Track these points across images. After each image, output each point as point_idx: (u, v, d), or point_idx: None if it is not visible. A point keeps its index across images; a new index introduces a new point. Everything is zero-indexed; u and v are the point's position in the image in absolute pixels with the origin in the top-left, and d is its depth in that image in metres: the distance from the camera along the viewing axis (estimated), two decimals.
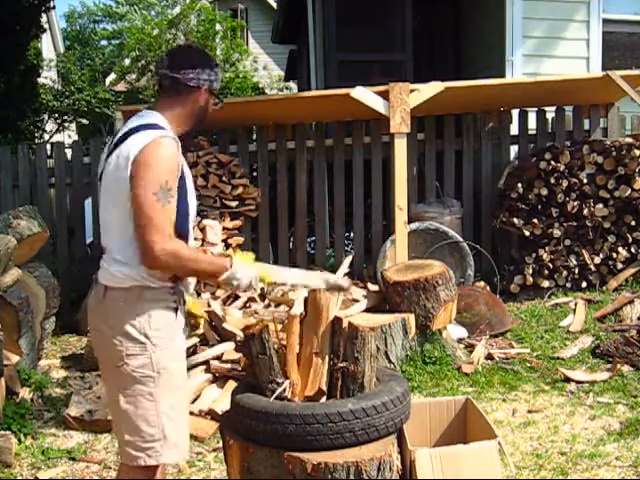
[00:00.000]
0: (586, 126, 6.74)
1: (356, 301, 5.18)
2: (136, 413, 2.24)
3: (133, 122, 2.28)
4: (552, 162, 5.99)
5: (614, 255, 6.00)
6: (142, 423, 2.24)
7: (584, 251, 5.99)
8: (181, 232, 2.25)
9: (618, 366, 4.44)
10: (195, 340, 4.51)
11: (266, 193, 6.54)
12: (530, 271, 5.99)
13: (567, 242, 5.99)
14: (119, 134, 2.28)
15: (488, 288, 5.93)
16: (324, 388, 2.37)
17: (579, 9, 7.37)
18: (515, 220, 6.07)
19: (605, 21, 7.45)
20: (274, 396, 2.33)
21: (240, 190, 6.08)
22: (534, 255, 6.00)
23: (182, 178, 2.25)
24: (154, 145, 2.17)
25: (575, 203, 5.95)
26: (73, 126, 16.81)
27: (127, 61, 16.37)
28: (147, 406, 2.23)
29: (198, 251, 2.33)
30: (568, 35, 7.39)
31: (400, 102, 5.14)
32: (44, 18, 11.70)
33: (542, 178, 6.00)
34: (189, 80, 2.31)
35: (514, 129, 6.76)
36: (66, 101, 14.61)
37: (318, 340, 2.42)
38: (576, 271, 6.01)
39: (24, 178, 6.47)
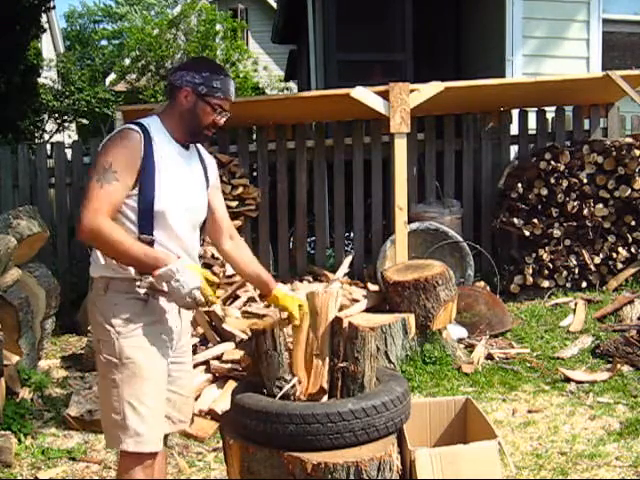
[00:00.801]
0: (586, 126, 6.74)
1: (356, 301, 5.19)
2: (104, 398, 2.37)
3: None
4: (552, 162, 5.99)
5: (614, 255, 6.00)
6: (107, 409, 2.34)
7: (584, 251, 6.00)
8: (140, 226, 2.29)
9: (618, 366, 4.44)
10: (195, 340, 4.52)
11: (266, 193, 6.54)
12: (530, 271, 5.99)
13: (567, 242, 5.99)
14: None
15: (488, 288, 5.93)
16: (325, 387, 2.37)
17: (579, 9, 7.37)
18: (515, 220, 6.07)
19: (605, 21, 7.45)
20: (281, 393, 2.33)
21: (240, 190, 6.08)
22: (534, 255, 6.00)
23: (148, 172, 2.28)
24: (113, 136, 2.31)
25: (575, 203, 5.95)
26: (73, 126, 16.81)
27: (127, 61, 16.38)
28: (112, 392, 2.32)
29: (136, 241, 2.27)
30: (568, 35, 7.39)
31: (400, 102, 5.14)
32: (44, 18, 11.71)
33: (542, 178, 6.00)
34: (175, 81, 2.40)
35: (514, 129, 6.76)
36: (66, 101, 14.61)
37: (318, 341, 2.42)
38: (576, 271, 6.01)
39: (24, 178, 6.47)
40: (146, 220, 2.30)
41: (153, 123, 2.37)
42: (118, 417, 2.30)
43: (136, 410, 2.30)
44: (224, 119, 2.47)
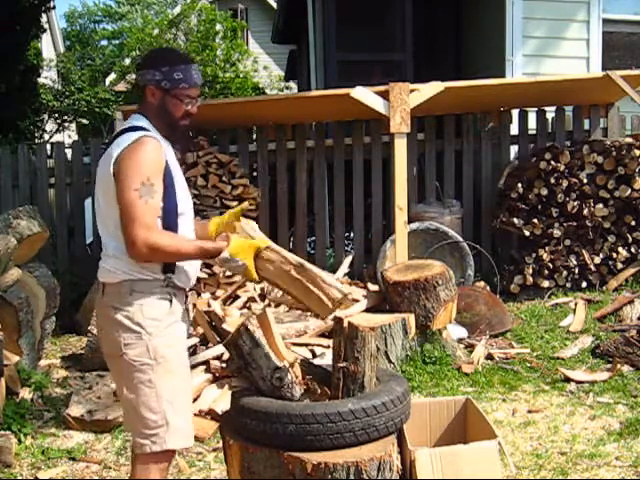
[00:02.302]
0: (586, 126, 6.74)
1: (356, 301, 5.19)
2: (138, 401, 2.33)
3: (123, 125, 2.43)
4: (552, 162, 5.99)
5: (614, 255, 6.01)
6: (144, 410, 2.32)
7: (584, 251, 6.00)
8: (168, 228, 2.33)
9: (618, 366, 4.44)
10: (195, 340, 4.52)
11: (266, 193, 6.54)
12: (530, 271, 5.99)
13: (567, 242, 5.99)
14: (113, 135, 2.42)
15: (488, 288, 5.93)
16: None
17: (579, 9, 7.37)
18: (515, 220, 6.07)
19: (605, 21, 7.45)
20: (280, 380, 2.34)
21: (240, 190, 6.08)
22: (534, 255, 6.00)
23: (169, 176, 2.34)
24: (136, 145, 2.28)
25: (575, 203, 5.95)
26: (73, 126, 16.81)
27: (127, 61, 16.37)
28: (147, 393, 2.32)
29: (188, 240, 2.38)
30: (568, 35, 7.39)
31: (400, 102, 5.14)
32: (44, 18, 11.70)
33: (542, 178, 6.00)
34: (139, 80, 2.42)
35: (514, 129, 6.76)
36: (66, 101, 14.60)
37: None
38: (576, 271, 6.01)
39: (24, 178, 6.47)
40: (172, 222, 2.34)
41: (149, 125, 2.39)
42: (157, 417, 2.32)
43: (174, 406, 2.33)
44: (196, 106, 2.47)
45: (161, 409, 2.32)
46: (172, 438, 2.33)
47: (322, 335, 4.64)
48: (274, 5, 17.27)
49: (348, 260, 6.20)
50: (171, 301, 2.37)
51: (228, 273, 5.57)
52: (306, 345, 4.48)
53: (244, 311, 5.04)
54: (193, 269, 2.48)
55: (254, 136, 7.09)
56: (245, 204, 2.62)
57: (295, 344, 4.43)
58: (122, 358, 2.33)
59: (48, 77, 14.80)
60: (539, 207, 6.04)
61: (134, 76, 15.09)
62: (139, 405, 2.33)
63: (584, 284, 6.04)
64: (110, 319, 2.35)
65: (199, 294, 5.51)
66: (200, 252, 2.34)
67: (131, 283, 2.32)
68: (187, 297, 2.52)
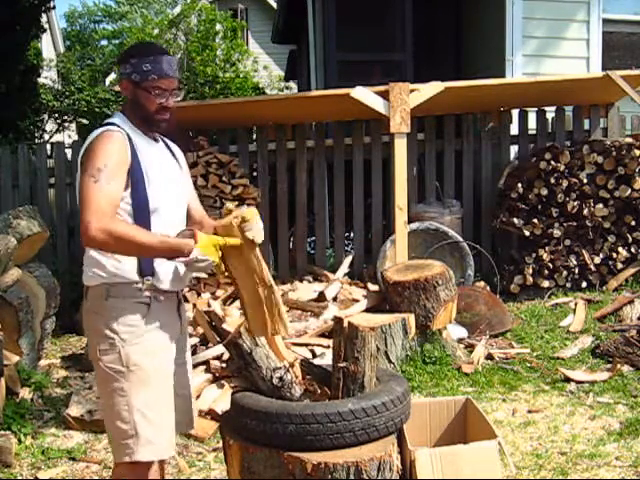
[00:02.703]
0: (586, 126, 6.74)
1: (356, 301, 5.19)
2: (112, 409, 2.27)
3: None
4: (552, 162, 5.99)
5: (614, 255, 6.00)
6: (116, 419, 2.26)
7: (584, 251, 6.00)
8: (142, 226, 2.23)
9: (618, 366, 4.44)
10: (195, 340, 4.52)
11: (266, 193, 6.54)
12: (530, 271, 5.99)
13: (567, 242, 5.99)
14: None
15: (488, 288, 5.93)
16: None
17: (579, 9, 7.37)
18: (515, 220, 6.07)
19: (605, 21, 7.45)
20: (280, 380, 2.33)
21: (240, 190, 6.08)
22: (534, 255, 6.00)
23: (137, 171, 2.26)
24: (97, 139, 2.25)
25: (575, 203, 5.95)
26: (73, 126, 16.79)
27: None
28: (119, 402, 2.25)
29: (148, 232, 2.24)
30: (568, 35, 7.39)
31: (400, 102, 5.14)
32: (44, 18, 11.69)
33: (542, 178, 6.00)
34: (119, 75, 2.39)
35: (514, 129, 6.76)
36: (66, 101, 14.58)
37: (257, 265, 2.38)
38: (576, 271, 6.01)
39: (24, 178, 6.47)
40: (143, 220, 2.26)
41: (123, 121, 2.34)
42: (128, 427, 2.24)
43: (147, 417, 2.25)
44: (173, 99, 2.36)
45: (132, 419, 2.23)
46: (142, 450, 2.24)
47: (322, 335, 4.64)
48: (274, 5, 17.27)
49: (348, 260, 6.20)
50: (149, 306, 2.28)
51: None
52: (306, 345, 4.48)
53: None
54: (181, 269, 2.36)
55: (254, 136, 7.09)
56: (230, 206, 2.47)
57: (295, 344, 4.43)
58: (98, 364, 2.29)
59: (48, 77, 14.78)
60: (539, 207, 6.04)
61: None
62: (112, 413, 2.27)
63: (584, 284, 6.04)
64: (90, 324, 2.32)
65: (199, 294, 5.51)
66: (164, 247, 2.19)
67: (108, 287, 2.26)
68: (180, 301, 2.44)
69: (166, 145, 2.50)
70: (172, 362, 2.37)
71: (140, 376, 2.25)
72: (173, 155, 2.50)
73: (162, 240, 2.20)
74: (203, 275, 5.34)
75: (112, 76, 18.64)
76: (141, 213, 2.26)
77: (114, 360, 2.25)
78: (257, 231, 2.30)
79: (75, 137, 16.12)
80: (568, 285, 6.04)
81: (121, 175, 2.21)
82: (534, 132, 6.74)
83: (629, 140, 6.13)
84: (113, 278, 2.26)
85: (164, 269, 2.31)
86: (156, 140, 2.43)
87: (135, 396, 2.25)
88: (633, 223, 6.00)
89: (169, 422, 2.33)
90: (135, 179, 2.25)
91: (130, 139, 2.28)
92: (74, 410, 3.91)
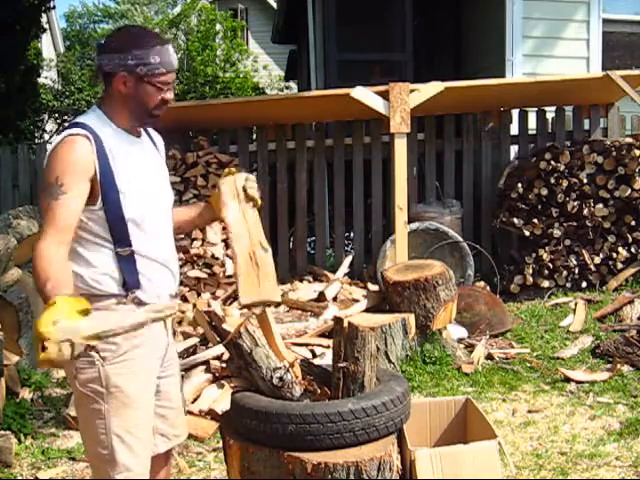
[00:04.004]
0: (586, 126, 6.74)
1: (356, 301, 5.19)
2: (87, 431, 2.13)
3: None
4: (552, 162, 5.99)
5: (614, 255, 6.00)
6: (92, 442, 2.12)
7: (584, 251, 6.00)
8: (119, 240, 2.08)
9: (618, 366, 4.44)
10: (195, 340, 4.52)
11: (266, 193, 6.53)
12: (530, 271, 5.99)
13: (567, 242, 5.99)
14: None
15: (488, 288, 5.93)
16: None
17: (579, 9, 7.37)
18: (515, 220, 6.07)
19: (605, 21, 7.45)
20: (280, 380, 2.32)
21: None
22: (534, 255, 6.00)
23: (107, 178, 2.05)
24: (58, 146, 2.04)
25: (575, 203, 5.95)
26: None
27: None
28: (96, 425, 2.09)
29: (64, 269, 1.98)
30: (568, 35, 7.39)
31: (400, 102, 5.14)
32: (44, 18, 11.68)
33: (542, 178, 6.00)
34: (104, 66, 2.09)
35: (514, 129, 6.76)
36: (66, 101, 14.60)
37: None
38: (576, 271, 6.01)
39: (24, 178, 6.47)
40: (119, 231, 2.08)
41: (96, 119, 2.11)
42: (105, 451, 2.10)
43: (125, 443, 2.10)
44: (172, 93, 2.17)
45: (109, 444, 2.08)
46: (117, 477, 2.10)
47: (322, 335, 4.64)
48: (274, 5, 17.27)
49: (348, 260, 6.20)
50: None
51: (228, 273, 5.58)
52: (306, 345, 4.48)
53: (244, 311, 5.03)
54: (166, 278, 2.20)
55: (254, 136, 7.09)
56: (227, 170, 2.39)
57: (295, 344, 4.43)
58: (74, 383, 2.10)
59: (48, 77, 14.79)
60: (539, 207, 6.04)
61: None
62: (88, 436, 2.13)
63: (584, 284, 6.04)
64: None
65: (199, 294, 5.51)
66: (40, 291, 1.92)
67: (87, 298, 1.96)
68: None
69: (148, 136, 2.29)
70: (154, 383, 2.22)
71: (120, 399, 2.08)
72: (155, 146, 2.31)
73: (47, 291, 1.89)
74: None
75: None
76: (116, 225, 2.08)
77: (92, 380, 2.07)
78: (257, 191, 2.27)
79: None
80: (568, 285, 6.04)
81: (75, 185, 1.99)
82: (534, 132, 6.74)
83: (629, 140, 6.12)
84: (91, 290, 2.06)
85: (149, 279, 2.14)
86: (139, 135, 2.22)
87: (114, 420, 2.08)
88: (633, 223, 6.00)
89: (147, 447, 2.20)
90: (105, 188, 2.05)
91: (101, 143, 2.05)
92: (74, 410, 3.91)
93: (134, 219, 2.10)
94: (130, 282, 2.10)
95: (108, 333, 1.87)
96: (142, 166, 2.18)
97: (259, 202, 2.31)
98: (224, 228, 2.19)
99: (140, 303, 2.11)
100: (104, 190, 2.05)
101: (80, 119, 2.12)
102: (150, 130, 2.32)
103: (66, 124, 2.16)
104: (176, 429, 2.38)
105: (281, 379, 2.33)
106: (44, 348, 1.77)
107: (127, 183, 2.09)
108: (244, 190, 2.28)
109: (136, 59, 2.05)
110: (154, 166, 2.25)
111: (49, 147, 2.10)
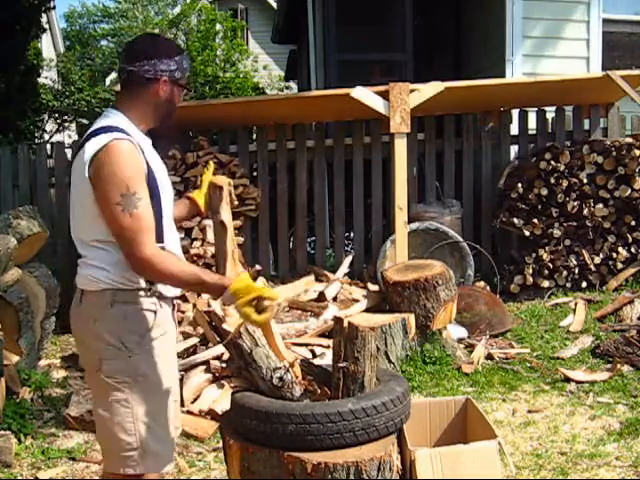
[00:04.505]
0: (586, 126, 6.74)
1: (356, 301, 5.19)
2: (113, 420, 2.18)
3: (96, 123, 2.21)
4: (552, 162, 5.99)
5: (614, 255, 6.00)
6: (119, 431, 2.17)
7: (584, 251, 6.00)
8: (157, 235, 2.17)
9: (618, 366, 4.44)
10: (195, 340, 4.52)
11: (266, 193, 6.54)
12: (530, 271, 5.99)
13: (567, 242, 5.99)
14: (84, 137, 2.20)
15: (488, 288, 5.93)
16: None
17: (579, 9, 7.38)
18: (515, 220, 6.07)
19: (605, 21, 7.45)
20: (280, 380, 2.33)
21: (240, 190, 6.08)
22: (534, 255, 6.00)
23: (152, 178, 2.16)
24: (109, 151, 2.07)
25: (575, 203, 5.95)
26: (73, 126, 16.80)
27: None
28: (123, 413, 2.16)
29: (187, 265, 2.18)
30: (568, 35, 7.40)
31: (400, 102, 5.14)
32: (44, 18, 11.68)
33: (542, 178, 6.00)
34: (145, 72, 2.18)
35: (514, 129, 6.76)
36: (66, 101, 14.59)
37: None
38: (576, 271, 6.01)
39: (24, 178, 6.47)
40: (158, 229, 2.17)
41: (123, 122, 2.18)
42: (132, 439, 2.17)
43: (151, 429, 2.18)
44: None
45: (136, 431, 2.16)
46: (146, 463, 2.18)
47: (322, 335, 4.64)
48: (274, 5, 17.28)
49: (348, 260, 6.20)
50: (156, 313, 2.20)
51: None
52: (306, 345, 4.48)
53: None
54: None
55: (254, 136, 7.09)
56: (210, 163, 2.61)
57: (295, 344, 4.43)
58: (98, 374, 2.17)
59: (48, 77, 14.78)
60: (539, 207, 6.04)
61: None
62: (114, 425, 2.17)
63: (584, 284, 6.04)
64: (89, 331, 2.18)
65: (199, 294, 5.51)
66: (199, 284, 2.13)
67: (113, 293, 2.13)
68: (174, 306, 2.38)
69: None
70: (175, 371, 2.35)
71: (146, 387, 2.18)
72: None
73: (199, 278, 2.12)
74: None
75: (112, 76, 18.64)
76: (158, 221, 2.17)
77: (119, 370, 2.15)
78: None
79: (75, 137, 16.12)
80: (568, 285, 6.04)
81: (143, 190, 2.10)
82: (534, 132, 6.74)
83: (629, 140, 6.13)
84: (118, 284, 2.15)
85: None
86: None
87: (141, 407, 2.17)
88: (633, 223, 6.00)
89: (171, 433, 2.29)
90: (152, 187, 2.15)
91: (139, 145, 2.14)
92: (74, 410, 3.91)
93: (167, 216, 2.23)
94: None
95: (292, 298, 2.13)
96: (160, 165, 2.28)
97: (235, 204, 2.47)
98: (202, 223, 2.45)
99: (160, 296, 2.22)
100: (151, 189, 2.14)
101: (111, 123, 2.16)
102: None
103: (100, 130, 2.14)
104: (178, 421, 2.44)
105: (281, 379, 2.33)
106: (262, 310, 2.10)
107: (160, 181, 2.20)
108: (229, 194, 2.43)
109: (175, 64, 2.21)
110: (164, 167, 2.34)
111: (89, 152, 2.10)
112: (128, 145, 2.09)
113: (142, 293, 2.18)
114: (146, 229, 2.09)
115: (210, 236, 5.63)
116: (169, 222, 2.27)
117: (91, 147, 2.11)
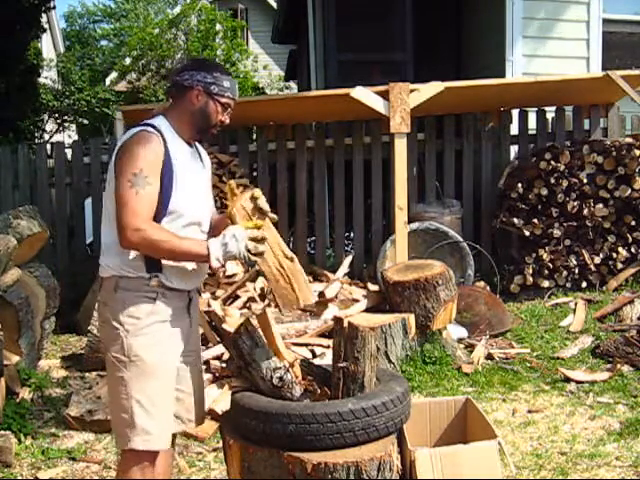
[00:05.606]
0: (586, 126, 6.74)
1: (356, 301, 5.19)
2: (113, 397, 2.40)
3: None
4: (552, 162, 5.99)
5: (614, 255, 6.00)
6: (116, 407, 2.38)
7: (584, 251, 6.00)
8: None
9: (618, 366, 4.44)
10: None
11: (266, 193, 6.50)
12: (530, 271, 5.99)
13: (567, 242, 5.99)
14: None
15: (488, 288, 5.93)
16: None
17: (579, 9, 7.37)
18: (515, 220, 6.07)
19: (605, 21, 7.45)
20: (280, 380, 2.33)
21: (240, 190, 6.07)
22: (534, 255, 6.00)
23: (167, 176, 2.32)
24: (134, 138, 2.32)
25: (575, 203, 5.95)
26: (73, 126, 16.81)
27: (128, 60, 16.37)
28: (120, 390, 2.35)
29: (182, 237, 2.33)
30: (568, 35, 7.39)
31: (400, 102, 5.14)
32: (44, 18, 11.69)
33: (542, 178, 6.00)
34: (183, 81, 2.42)
35: (514, 129, 6.76)
36: (66, 101, 14.60)
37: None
38: (576, 271, 6.01)
39: (24, 178, 6.47)
40: (158, 219, 2.32)
41: (162, 124, 2.39)
42: (126, 415, 2.33)
43: (144, 408, 2.32)
44: (228, 118, 2.52)
45: (129, 408, 2.32)
46: (136, 439, 2.32)
47: (322, 335, 4.64)
48: (274, 5, 17.27)
49: (348, 260, 6.20)
50: (155, 300, 2.35)
51: (228, 273, 5.58)
52: (306, 345, 4.48)
53: (244, 311, 5.04)
54: (190, 269, 2.41)
55: (254, 136, 7.09)
56: (231, 183, 2.60)
57: (295, 344, 4.43)
58: (107, 354, 2.39)
59: (48, 77, 14.78)
60: (539, 207, 6.04)
61: (134, 75, 15.13)
62: (113, 401, 2.39)
63: (584, 284, 6.04)
64: (101, 314, 2.42)
65: (200, 293, 5.51)
66: (189, 253, 2.31)
67: (117, 279, 2.34)
68: (191, 299, 2.48)
69: (196, 149, 2.56)
70: (174, 358, 2.42)
71: (140, 367, 2.32)
72: (201, 158, 2.56)
73: (189, 246, 2.29)
74: (237, 277, 5.40)
75: (112, 76, 18.64)
76: (157, 215, 2.32)
77: (118, 350, 2.33)
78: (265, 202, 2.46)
79: (75, 137, 16.12)
80: (568, 285, 6.04)
81: (156, 178, 2.29)
82: (534, 132, 6.74)
83: (629, 140, 6.12)
84: (122, 271, 2.33)
85: (172, 268, 2.36)
86: (190, 146, 2.50)
87: (134, 386, 2.32)
88: (633, 223, 6.00)
89: (166, 416, 2.39)
90: (164, 183, 2.31)
91: (166, 143, 2.33)
92: (74, 410, 3.91)
93: (180, 215, 2.35)
94: (152, 266, 2.34)
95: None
96: (194, 172, 2.45)
97: (269, 213, 2.48)
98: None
99: (162, 286, 2.36)
100: (162, 184, 2.30)
101: (149, 121, 2.39)
102: (200, 148, 2.60)
103: (137, 125, 2.40)
104: (190, 414, 2.54)
105: (281, 379, 2.33)
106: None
107: (182, 182, 2.36)
108: (256, 207, 2.45)
109: (213, 79, 2.41)
110: (201, 177, 2.50)
111: (120, 141, 2.36)
112: (152, 137, 2.31)
113: (143, 282, 2.34)
114: (143, 209, 2.25)
115: None
116: (190, 224, 2.39)
117: (123, 138, 2.37)
